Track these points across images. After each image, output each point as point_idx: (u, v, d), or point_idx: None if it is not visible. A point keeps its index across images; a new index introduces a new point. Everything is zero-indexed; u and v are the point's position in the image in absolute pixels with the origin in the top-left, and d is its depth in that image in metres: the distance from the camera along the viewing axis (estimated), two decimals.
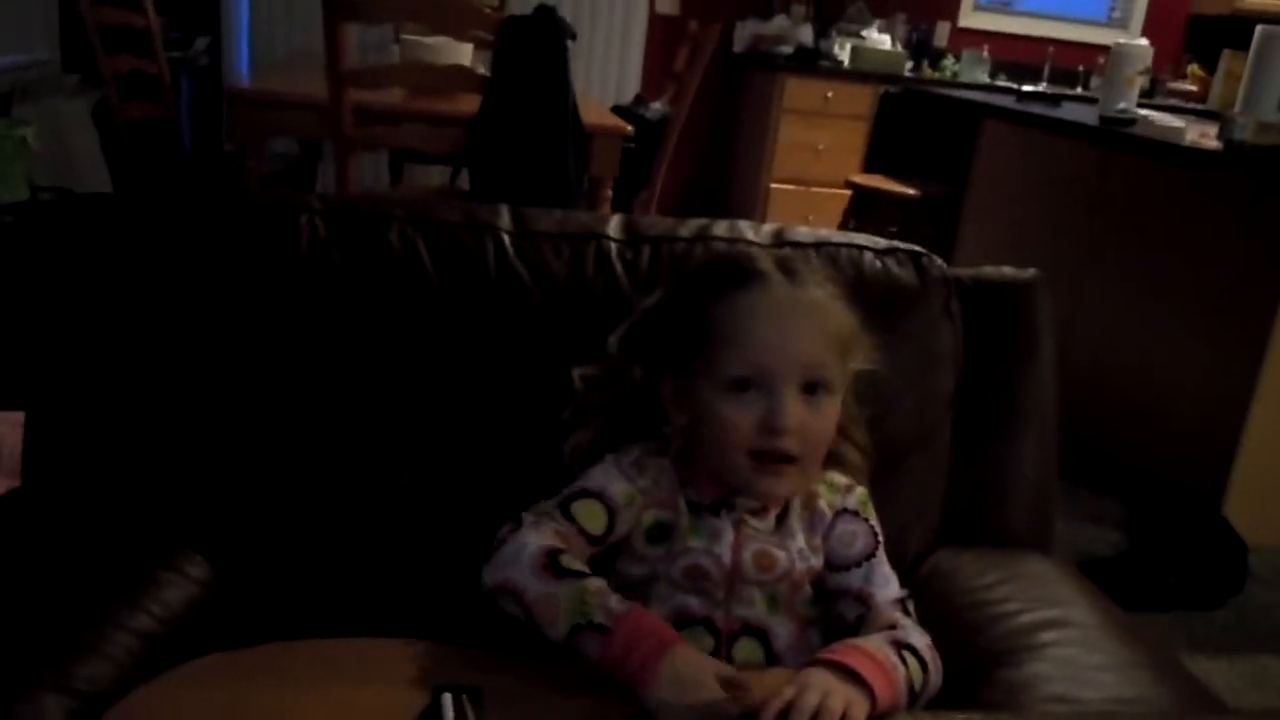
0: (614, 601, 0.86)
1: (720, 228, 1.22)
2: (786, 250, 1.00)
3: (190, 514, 1.09)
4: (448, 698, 0.81)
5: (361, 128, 2.60)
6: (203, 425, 1.11)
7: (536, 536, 0.91)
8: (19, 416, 1.13)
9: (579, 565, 0.89)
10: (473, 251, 1.17)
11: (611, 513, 0.96)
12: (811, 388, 0.94)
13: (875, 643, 0.89)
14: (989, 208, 3.60)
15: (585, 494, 0.97)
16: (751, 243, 1.19)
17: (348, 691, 0.86)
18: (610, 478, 0.97)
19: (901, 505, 1.14)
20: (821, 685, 0.80)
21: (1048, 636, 1.00)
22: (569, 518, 0.95)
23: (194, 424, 1.11)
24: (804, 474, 0.96)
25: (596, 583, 0.87)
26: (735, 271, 0.97)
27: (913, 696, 0.89)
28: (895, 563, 1.01)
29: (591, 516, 0.95)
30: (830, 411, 0.95)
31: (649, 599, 0.95)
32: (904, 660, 0.88)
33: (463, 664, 0.88)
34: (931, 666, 0.91)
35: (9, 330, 1.15)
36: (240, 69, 4.57)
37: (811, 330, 0.94)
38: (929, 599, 1.02)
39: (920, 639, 0.93)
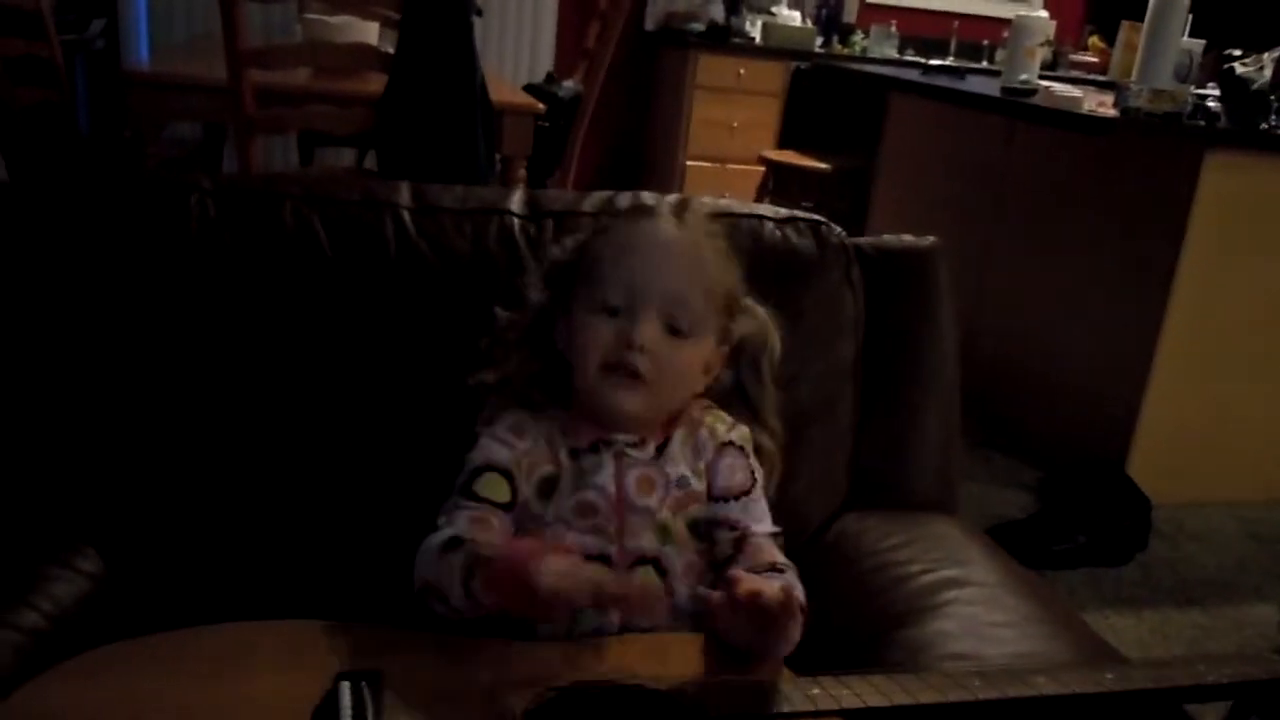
0: (499, 542, 0.91)
1: (624, 199, 1.21)
2: (692, 202, 1.01)
3: (80, 506, 1.06)
4: (345, 686, 0.80)
5: (264, 110, 2.53)
6: (93, 414, 1.07)
7: (445, 531, 0.93)
8: None
9: (472, 532, 0.92)
10: (372, 229, 1.14)
11: (509, 477, 0.98)
12: (678, 324, 0.97)
13: (787, 579, 0.93)
14: (899, 180, 3.66)
15: (480, 471, 0.98)
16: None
17: (244, 680, 0.83)
18: (490, 450, 0.99)
19: (806, 472, 1.15)
20: (786, 592, 0.85)
21: (949, 595, 1.02)
22: (475, 498, 0.96)
23: (83, 413, 1.07)
24: (653, 399, 0.98)
25: (487, 537, 0.91)
26: (634, 210, 1.02)
27: None
28: (801, 529, 1.03)
29: (494, 487, 0.97)
30: (689, 351, 0.98)
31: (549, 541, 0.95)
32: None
33: (363, 643, 0.87)
34: (803, 613, 0.93)
35: None
36: (140, 51, 4.41)
37: (683, 268, 0.98)
38: (835, 563, 1.04)
39: (793, 576, 0.96)
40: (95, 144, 3.66)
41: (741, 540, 0.98)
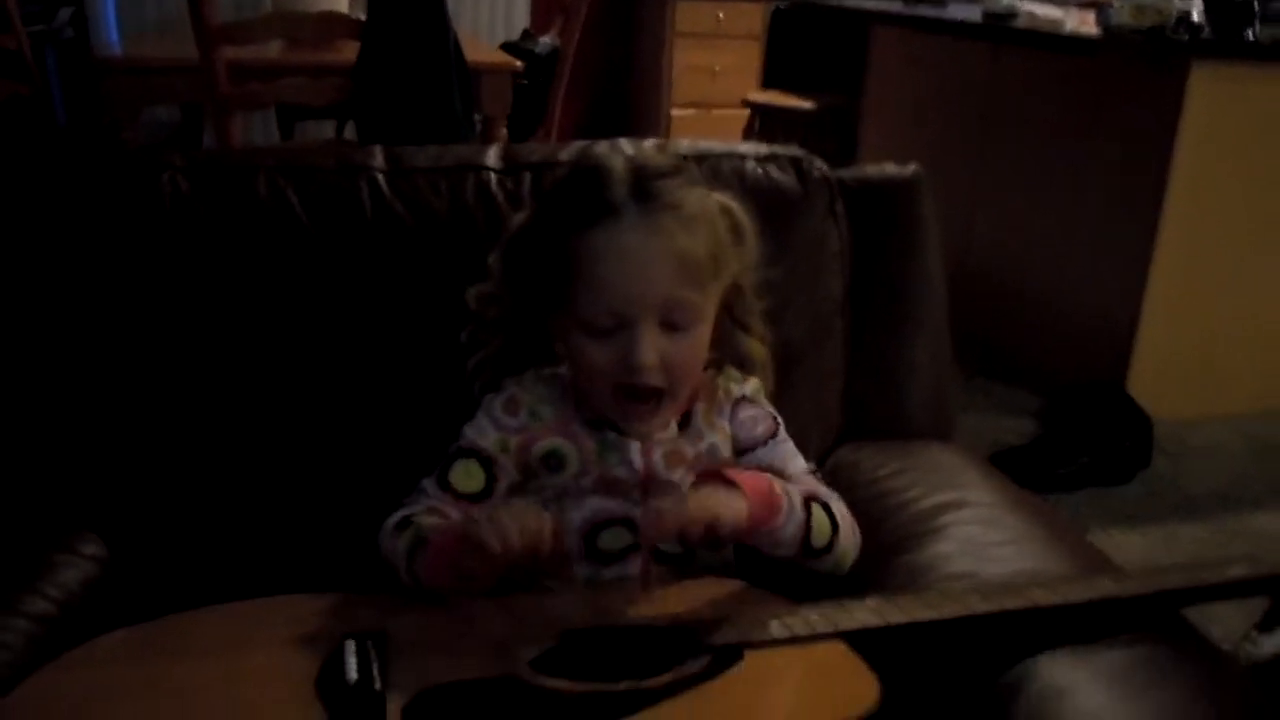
0: (440, 524, 0.91)
1: (601, 148, 1.20)
2: (648, 165, 0.94)
3: (79, 491, 1.06)
4: (350, 644, 0.81)
5: (238, 86, 2.51)
6: (83, 399, 1.07)
7: (401, 512, 0.95)
8: None
9: (423, 517, 0.93)
10: (347, 195, 1.13)
11: (489, 464, 0.97)
12: (674, 318, 0.92)
13: (776, 480, 0.93)
14: (885, 115, 3.63)
15: (460, 454, 0.98)
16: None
17: (253, 652, 0.85)
18: (480, 430, 0.98)
19: (800, 406, 1.15)
20: (695, 494, 0.87)
21: (947, 518, 1.02)
22: (445, 487, 0.97)
23: (74, 398, 1.07)
24: (674, 401, 0.96)
25: (432, 519, 0.92)
26: (589, 202, 0.92)
27: (811, 550, 0.92)
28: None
29: (467, 477, 0.97)
30: (695, 340, 0.94)
31: (565, 509, 0.96)
32: (809, 509, 0.92)
33: (367, 611, 0.88)
34: (843, 526, 0.94)
35: None
36: (109, 37, 4.36)
37: (664, 270, 0.91)
38: None
39: (837, 504, 0.96)
40: (73, 135, 3.63)
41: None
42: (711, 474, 0.91)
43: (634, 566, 0.96)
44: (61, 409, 1.07)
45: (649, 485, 0.96)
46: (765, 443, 1.00)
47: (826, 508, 0.94)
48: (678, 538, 0.85)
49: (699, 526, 0.84)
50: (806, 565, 0.93)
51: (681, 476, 0.97)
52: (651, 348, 0.91)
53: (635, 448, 0.96)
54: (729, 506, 0.86)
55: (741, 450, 1.00)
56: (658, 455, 0.97)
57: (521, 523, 0.82)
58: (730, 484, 0.88)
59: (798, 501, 0.92)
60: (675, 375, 0.93)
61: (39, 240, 1.09)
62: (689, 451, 0.98)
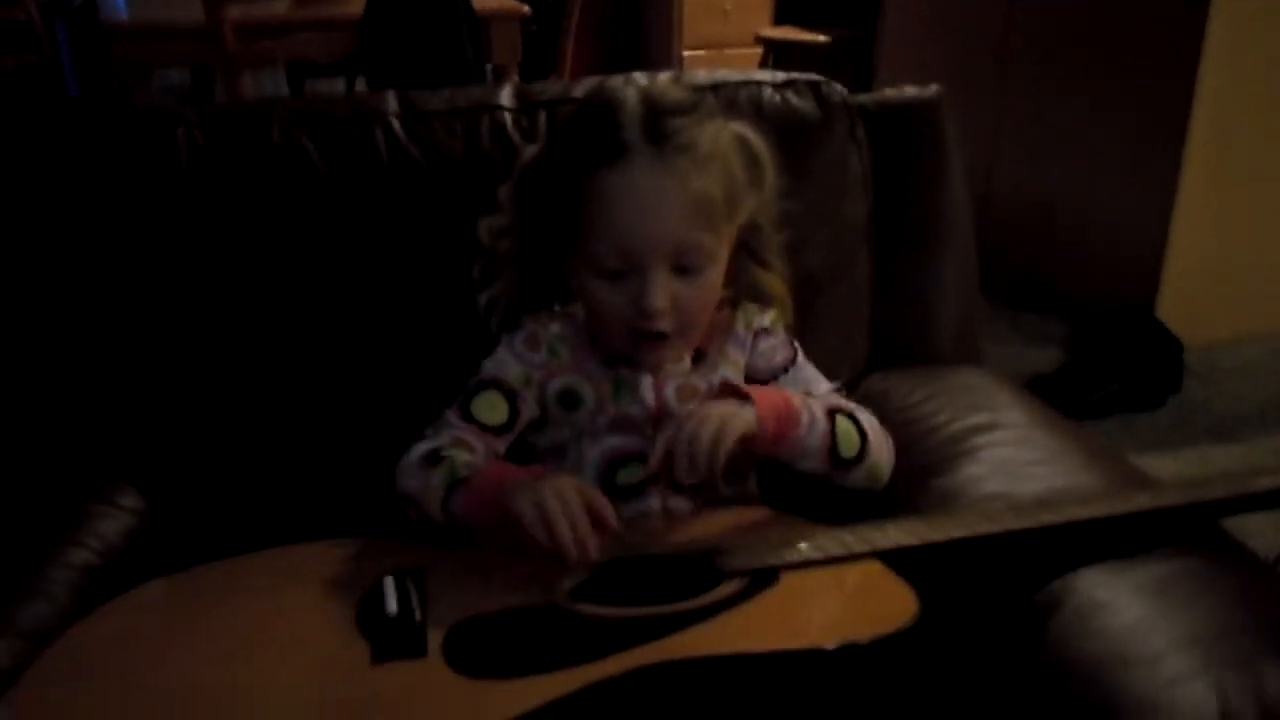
0: (480, 463, 0.90)
1: (615, 82, 1.18)
2: (662, 101, 0.92)
3: (114, 444, 1.07)
4: (388, 580, 0.81)
5: (246, 45, 2.50)
6: (113, 353, 1.08)
7: (426, 444, 0.94)
8: None
9: (454, 452, 0.92)
10: (361, 141, 1.12)
11: (512, 396, 0.97)
12: (686, 260, 0.91)
13: (795, 395, 0.93)
14: (903, 44, 3.56)
15: (481, 386, 0.98)
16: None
17: (294, 591, 0.86)
18: (502, 363, 0.98)
19: (826, 335, 1.14)
20: (698, 414, 0.85)
21: (979, 440, 1.01)
22: (469, 419, 0.97)
23: (104, 353, 1.08)
24: (686, 340, 0.96)
25: (467, 455, 0.91)
26: (601, 143, 0.90)
27: (841, 460, 0.91)
28: None
29: (491, 409, 0.97)
30: (707, 283, 0.93)
31: (581, 448, 0.97)
32: (834, 419, 0.91)
33: (404, 552, 0.89)
34: (873, 438, 0.94)
35: None
36: (117, 4, 4.33)
37: (676, 213, 0.89)
38: None
39: (866, 414, 0.96)
40: (85, 103, 3.63)
41: None
42: (727, 390, 0.91)
43: (653, 501, 0.96)
44: (93, 363, 1.08)
45: (661, 420, 0.96)
46: (786, 370, 1.00)
47: (852, 417, 0.94)
48: (697, 460, 0.83)
49: (710, 444, 0.83)
50: (840, 480, 0.93)
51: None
52: (662, 292, 0.89)
53: (647, 383, 0.96)
54: (738, 415, 0.86)
55: (762, 381, 0.99)
56: (670, 390, 0.97)
57: (568, 510, 0.80)
58: (742, 397, 0.88)
59: (819, 412, 0.91)
60: (686, 318, 0.93)
61: (63, 200, 1.09)
62: (701, 385, 0.97)
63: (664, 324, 0.91)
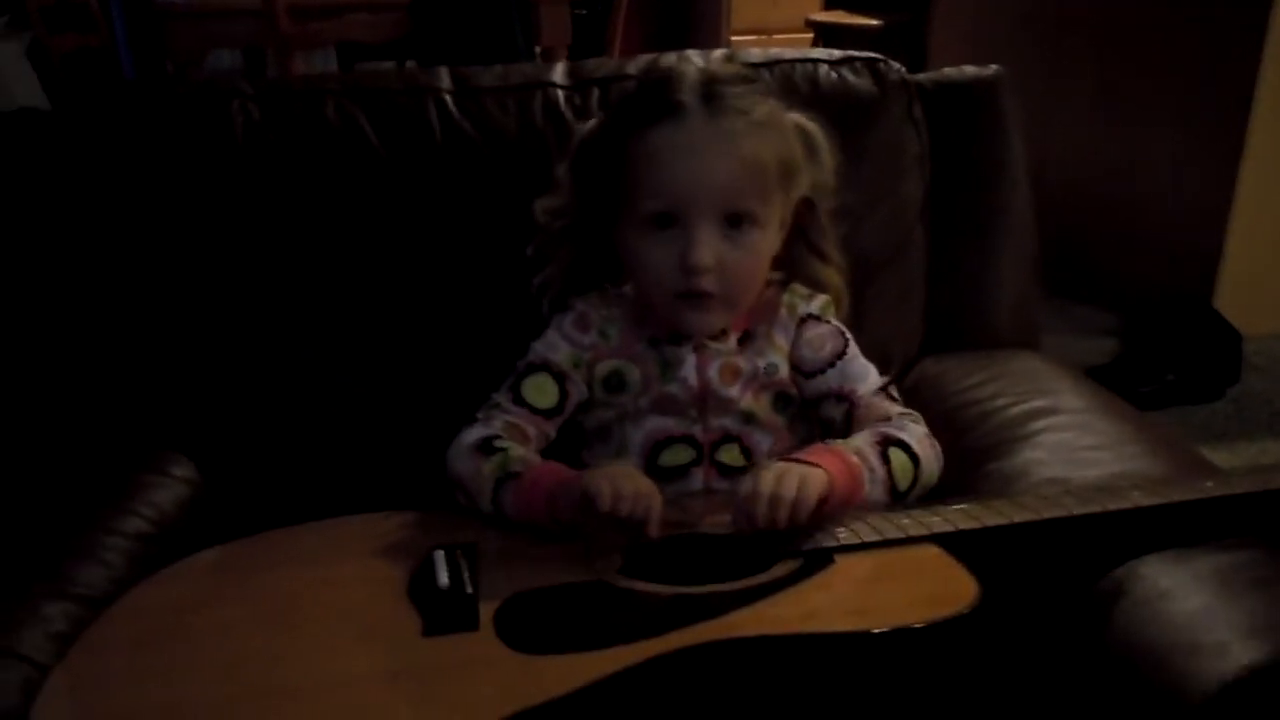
0: (534, 458, 0.90)
1: (669, 59, 1.17)
2: (720, 73, 0.93)
3: (165, 414, 1.08)
4: (439, 554, 0.81)
5: (299, 26, 2.51)
6: (167, 325, 1.09)
7: (479, 430, 0.94)
8: None
9: (509, 444, 0.92)
10: (415, 116, 1.13)
11: (561, 379, 0.97)
12: (735, 220, 0.91)
13: (852, 444, 0.90)
14: (955, 27, 3.50)
15: (531, 369, 0.98)
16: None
17: (346, 562, 0.86)
18: (551, 345, 0.98)
19: (882, 317, 1.13)
20: (776, 469, 0.83)
21: (1039, 425, 0.99)
22: (519, 402, 0.97)
23: (159, 324, 1.09)
24: (731, 307, 0.95)
25: (521, 449, 0.91)
26: (655, 103, 0.92)
27: (899, 494, 0.89)
28: (881, 374, 1.00)
29: (541, 392, 0.97)
30: (756, 245, 0.92)
31: (625, 430, 0.96)
32: (888, 458, 0.89)
33: (455, 526, 0.89)
34: (924, 457, 0.91)
35: None
36: None
37: (727, 162, 0.89)
38: (916, 406, 1.01)
39: (914, 430, 0.93)
40: (140, 85, 3.68)
41: (850, 407, 0.96)
42: (785, 464, 0.85)
43: (696, 483, 0.95)
44: (148, 335, 1.09)
45: (705, 399, 0.95)
46: (834, 363, 0.98)
47: (903, 445, 0.90)
48: (779, 517, 0.81)
49: (791, 505, 0.80)
50: (897, 502, 0.90)
51: (738, 392, 0.95)
52: (707, 249, 0.89)
53: (691, 361, 0.95)
54: (815, 476, 0.83)
55: (809, 373, 0.98)
56: (713, 369, 0.95)
57: (635, 488, 0.81)
58: (811, 465, 0.84)
59: (874, 459, 0.88)
60: (732, 282, 0.92)
61: (122, 174, 1.10)
62: (745, 367, 0.96)
63: (708, 283, 0.90)
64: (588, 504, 0.80)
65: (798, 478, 0.82)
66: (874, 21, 3.84)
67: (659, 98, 0.92)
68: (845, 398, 0.97)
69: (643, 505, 0.80)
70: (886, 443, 0.90)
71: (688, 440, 0.95)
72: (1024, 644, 0.81)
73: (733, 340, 0.97)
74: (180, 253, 1.09)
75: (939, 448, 0.94)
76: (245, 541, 0.91)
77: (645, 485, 0.82)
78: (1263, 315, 2.53)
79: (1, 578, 0.85)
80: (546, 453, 0.96)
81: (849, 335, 1.00)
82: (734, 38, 4.53)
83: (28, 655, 0.76)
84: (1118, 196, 2.85)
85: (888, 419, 0.94)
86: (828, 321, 1.00)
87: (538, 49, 2.79)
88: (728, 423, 0.96)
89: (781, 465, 0.84)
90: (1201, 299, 2.53)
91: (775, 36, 4.48)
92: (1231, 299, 2.52)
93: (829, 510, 0.83)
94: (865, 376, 0.98)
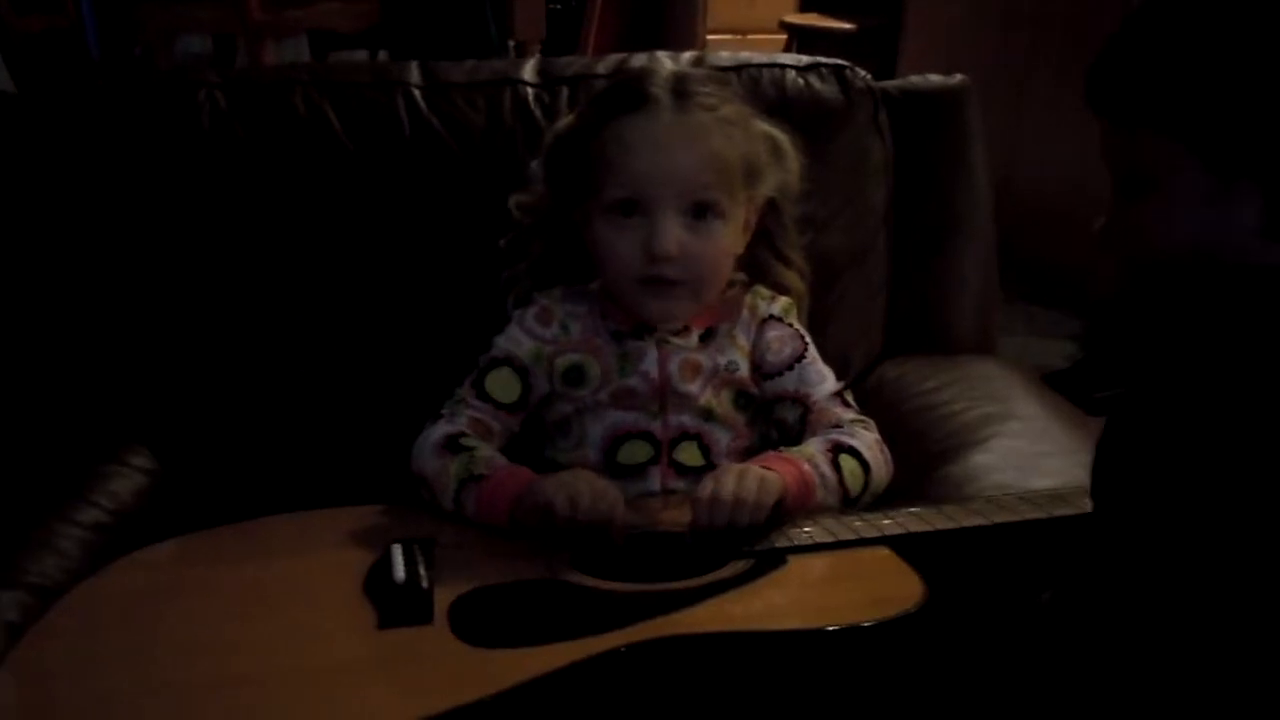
0: (499, 460, 0.90)
1: (639, 60, 1.18)
2: (691, 73, 0.96)
3: (125, 404, 1.08)
4: (397, 548, 0.82)
5: (270, 13, 2.49)
6: (128, 315, 1.09)
7: (444, 426, 0.95)
8: None
9: (476, 443, 0.92)
10: (384, 110, 1.13)
11: (524, 373, 0.98)
12: (699, 210, 0.93)
13: (805, 451, 0.91)
14: (927, 32, 3.53)
15: (494, 364, 0.99)
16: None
17: (303, 557, 0.87)
18: (514, 340, 0.99)
19: (843, 321, 1.14)
20: (735, 470, 0.85)
21: (992, 430, 1.01)
22: (483, 397, 0.97)
23: (119, 315, 1.09)
24: (694, 298, 0.96)
25: (487, 450, 0.92)
26: (627, 95, 0.95)
27: (850, 499, 0.91)
28: (839, 379, 1.02)
29: (504, 387, 0.98)
30: (718, 237, 0.94)
31: (585, 424, 0.97)
32: (839, 465, 0.91)
33: (415, 521, 0.89)
34: (874, 463, 0.93)
35: None
36: None
37: (693, 154, 0.92)
38: (875, 409, 1.03)
39: (864, 436, 0.95)
40: (107, 66, 3.63)
41: (805, 410, 0.98)
42: (743, 466, 0.88)
43: (653, 481, 0.96)
44: (109, 326, 1.08)
45: (665, 394, 0.96)
46: (791, 366, 0.99)
47: (854, 451, 0.92)
48: (740, 513, 0.83)
49: (754, 502, 0.83)
50: (847, 506, 0.92)
51: (698, 389, 0.96)
52: (671, 237, 0.91)
53: (652, 355, 0.96)
54: (771, 479, 0.85)
55: (768, 374, 0.99)
56: (674, 364, 0.96)
57: (593, 493, 0.83)
58: (767, 470, 0.87)
59: (826, 467, 0.90)
60: (695, 271, 0.93)
61: (84, 161, 1.10)
62: (706, 364, 0.97)
63: (672, 270, 0.92)
64: (548, 513, 0.82)
65: (756, 480, 0.84)
66: (847, 25, 3.87)
67: (631, 90, 0.95)
68: (800, 401, 0.98)
69: (602, 510, 0.82)
70: (838, 449, 0.92)
71: (646, 437, 0.96)
72: (969, 646, 0.83)
73: (694, 336, 0.98)
74: (142, 241, 1.09)
75: (889, 454, 0.96)
76: (203, 534, 0.91)
77: (603, 488, 0.84)
78: None
79: None
80: (511, 446, 0.97)
81: (809, 339, 1.02)
82: (710, 36, 4.53)
83: None
84: (1084, 201, 2.88)
85: (840, 425, 0.95)
86: (789, 324, 1.01)
87: (511, 42, 2.79)
88: (686, 420, 0.96)
89: (740, 466, 0.86)
90: None
91: (750, 37, 4.48)
92: None
93: (783, 513, 0.85)
94: (821, 381, 1.00)
